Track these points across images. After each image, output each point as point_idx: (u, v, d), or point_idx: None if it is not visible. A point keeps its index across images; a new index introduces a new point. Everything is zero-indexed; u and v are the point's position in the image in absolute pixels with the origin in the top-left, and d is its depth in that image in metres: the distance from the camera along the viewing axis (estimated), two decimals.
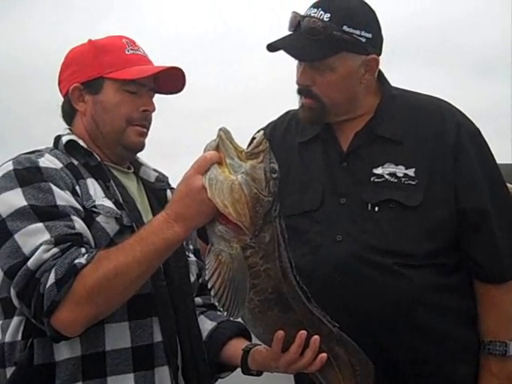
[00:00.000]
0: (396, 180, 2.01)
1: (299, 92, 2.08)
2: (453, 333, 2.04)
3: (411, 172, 2.02)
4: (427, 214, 2.00)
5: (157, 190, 1.92)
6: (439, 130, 2.06)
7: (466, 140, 2.06)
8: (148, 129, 1.86)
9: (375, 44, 2.05)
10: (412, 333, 1.97)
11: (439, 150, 2.04)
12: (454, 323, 2.05)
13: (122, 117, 1.80)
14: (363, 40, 2.00)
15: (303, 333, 1.64)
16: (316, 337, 1.64)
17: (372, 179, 2.03)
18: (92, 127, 1.83)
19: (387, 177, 2.02)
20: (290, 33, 2.06)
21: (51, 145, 1.83)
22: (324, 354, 1.65)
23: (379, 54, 2.07)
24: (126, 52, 1.84)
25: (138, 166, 1.95)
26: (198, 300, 1.96)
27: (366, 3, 2.08)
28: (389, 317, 1.87)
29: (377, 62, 2.07)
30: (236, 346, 1.86)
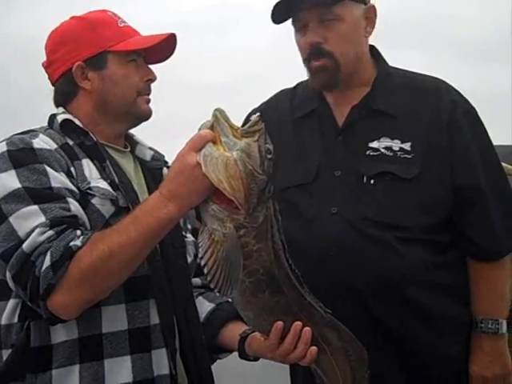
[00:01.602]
0: (392, 154, 2.02)
1: (310, 55, 2.06)
2: (445, 311, 2.05)
3: (407, 146, 2.02)
4: (423, 188, 2.01)
5: (153, 169, 1.91)
6: (435, 107, 2.07)
7: (460, 117, 2.06)
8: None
9: None
10: (403, 308, 1.97)
11: (434, 126, 2.05)
12: (445, 301, 2.05)
13: (131, 88, 1.80)
14: None
15: (298, 323, 1.62)
16: (307, 328, 1.62)
17: (368, 153, 2.03)
18: (99, 104, 1.80)
19: (383, 150, 2.03)
20: None
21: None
22: (314, 348, 1.63)
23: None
24: (120, 25, 1.83)
25: (133, 144, 1.93)
26: (197, 281, 1.95)
27: None
28: (382, 291, 1.88)
29: (375, 11, 2.11)
30: (233, 330, 1.84)
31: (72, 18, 1.86)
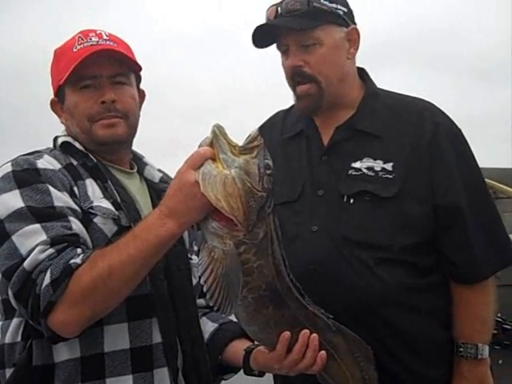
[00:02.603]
0: (373, 174, 2.01)
1: (292, 77, 2.09)
2: (426, 333, 2.00)
3: (389, 166, 2.02)
4: (402, 207, 1.99)
5: (160, 191, 1.91)
6: (418, 128, 2.06)
7: (442, 138, 2.04)
8: (122, 117, 1.80)
9: (351, 18, 2.11)
10: (383, 331, 1.94)
11: (417, 146, 2.03)
12: (426, 323, 2.01)
13: (82, 117, 1.78)
14: (341, 13, 2.06)
15: (306, 332, 1.63)
16: (314, 335, 1.62)
17: (350, 172, 2.03)
18: (72, 134, 1.83)
19: (365, 171, 2.02)
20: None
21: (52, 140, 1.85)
22: (323, 352, 1.63)
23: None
24: (74, 50, 1.79)
25: (142, 165, 1.95)
26: (201, 301, 1.94)
27: None
28: (361, 314, 1.85)
29: (358, 33, 2.11)
30: (238, 347, 1.84)
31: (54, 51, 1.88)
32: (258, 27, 2.07)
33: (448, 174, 2.03)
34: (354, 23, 2.12)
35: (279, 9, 2.04)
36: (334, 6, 2.05)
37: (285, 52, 2.09)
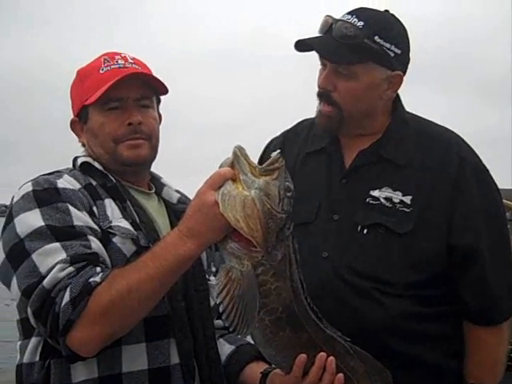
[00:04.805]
0: (391, 205, 1.98)
1: (319, 96, 2.06)
2: (429, 361, 1.97)
3: (408, 199, 1.98)
4: (415, 244, 1.95)
5: (178, 211, 1.91)
6: (442, 162, 2.02)
7: (468, 175, 2.01)
8: (146, 138, 1.83)
9: (402, 61, 2.04)
10: (387, 359, 1.83)
11: (439, 181, 2.00)
12: (430, 352, 1.97)
13: (107, 137, 1.80)
14: (392, 54, 1.99)
15: (323, 355, 1.62)
16: (331, 358, 1.61)
17: (367, 200, 2.00)
18: (93, 154, 1.84)
19: (383, 201, 1.99)
20: (320, 35, 2.05)
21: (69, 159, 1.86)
22: (341, 375, 1.62)
23: (404, 72, 2.05)
24: (100, 71, 1.83)
25: (160, 186, 1.96)
26: (219, 322, 1.93)
27: (400, 21, 2.06)
28: (363, 341, 1.77)
29: (401, 80, 2.05)
30: (254, 370, 1.83)
31: (76, 71, 1.90)
32: (300, 40, 2.03)
33: (469, 213, 1.99)
34: (405, 66, 2.05)
35: (333, 25, 2.00)
36: (387, 45, 1.98)
37: (322, 66, 2.06)
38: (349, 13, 2.02)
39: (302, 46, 2.04)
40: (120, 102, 1.80)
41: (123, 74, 1.77)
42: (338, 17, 2.04)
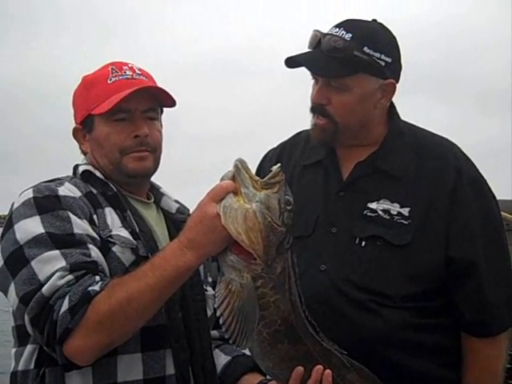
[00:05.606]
0: (388, 217, 1.98)
1: (312, 110, 2.06)
2: (428, 372, 1.97)
3: (405, 211, 1.98)
4: (413, 256, 1.95)
5: (177, 221, 1.92)
6: (439, 172, 2.02)
7: (465, 185, 2.01)
8: (151, 151, 1.83)
9: (394, 69, 2.04)
10: (385, 371, 1.85)
11: (437, 192, 2.00)
12: (429, 363, 1.97)
13: (114, 148, 1.80)
14: (382, 63, 1.99)
15: (320, 368, 1.62)
16: (328, 371, 1.62)
17: (365, 213, 2.00)
18: (96, 163, 1.84)
19: (380, 213, 1.99)
20: (310, 50, 2.05)
21: (66, 168, 1.87)
22: None
23: (397, 80, 2.06)
24: (108, 81, 1.83)
25: (159, 196, 1.96)
26: (215, 333, 1.94)
27: (388, 29, 2.07)
28: (362, 353, 1.79)
29: (394, 88, 2.05)
30: (250, 381, 1.83)
31: (82, 78, 1.90)
32: (290, 57, 2.03)
33: (467, 225, 1.98)
34: (397, 73, 2.05)
35: (322, 39, 2.00)
36: (377, 55, 1.98)
37: (315, 80, 2.06)
38: (336, 25, 2.03)
39: (293, 62, 2.04)
40: (128, 113, 1.80)
41: (135, 88, 1.78)
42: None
